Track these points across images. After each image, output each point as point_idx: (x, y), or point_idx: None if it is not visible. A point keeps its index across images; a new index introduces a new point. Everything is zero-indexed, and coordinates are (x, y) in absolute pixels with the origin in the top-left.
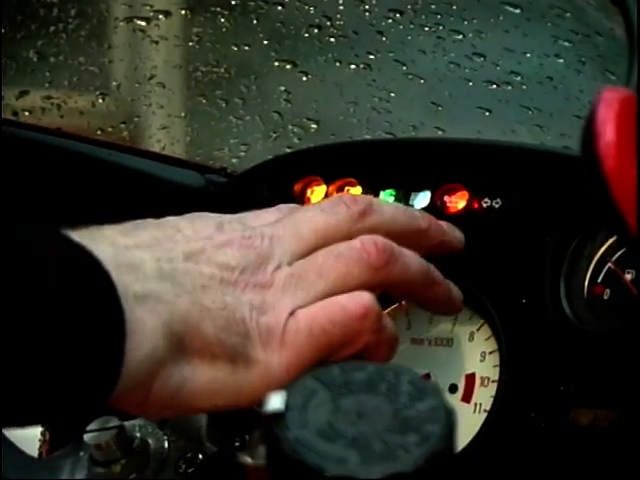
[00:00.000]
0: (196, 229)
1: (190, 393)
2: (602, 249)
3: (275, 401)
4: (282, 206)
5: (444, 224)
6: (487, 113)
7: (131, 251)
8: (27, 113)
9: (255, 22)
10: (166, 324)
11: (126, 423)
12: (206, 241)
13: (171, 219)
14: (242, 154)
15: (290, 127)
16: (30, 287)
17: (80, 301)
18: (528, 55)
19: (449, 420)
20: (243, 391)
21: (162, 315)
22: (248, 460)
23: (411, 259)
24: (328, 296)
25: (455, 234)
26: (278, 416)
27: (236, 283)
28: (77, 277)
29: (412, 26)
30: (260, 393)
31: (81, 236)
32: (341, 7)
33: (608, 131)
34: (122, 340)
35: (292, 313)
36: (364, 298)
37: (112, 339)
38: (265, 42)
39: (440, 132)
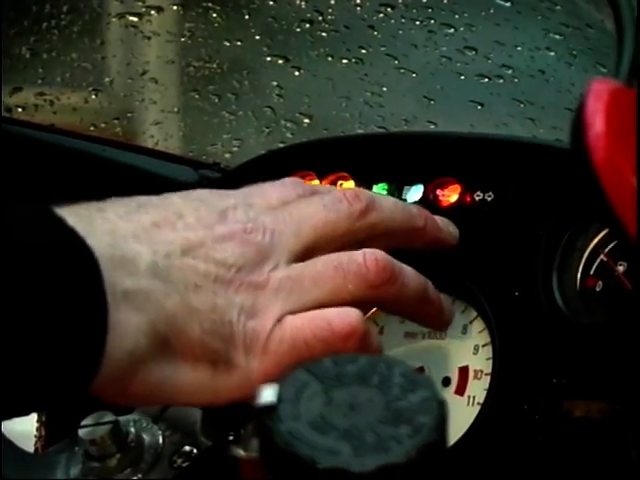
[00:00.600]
0: (199, 216)
1: (168, 391)
2: (594, 241)
3: (267, 394)
4: (287, 180)
5: (439, 219)
6: (479, 106)
7: (128, 242)
8: (20, 110)
9: (247, 17)
10: (151, 323)
11: (121, 418)
12: (207, 232)
13: (176, 200)
14: (235, 149)
15: (283, 122)
16: (15, 275)
17: (65, 293)
18: (519, 48)
19: (441, 411)
20: (220, 393)
21: (148, 314)
22: (241, 453)
23: (410, 278)
24: (320, 305)
25: (450, 230)
26: (270, 409)
27: (230, 282)
28: (65, 267)
29: (403, 20)
30: (237, 396)
31: (80, 216)
32: (332, 1)
33: (597, 122)
34: (103, 336)
35: (280, 319)
36: (352, 317)
37: (93, 334)
38: (257, 37)
39: (432, 126)
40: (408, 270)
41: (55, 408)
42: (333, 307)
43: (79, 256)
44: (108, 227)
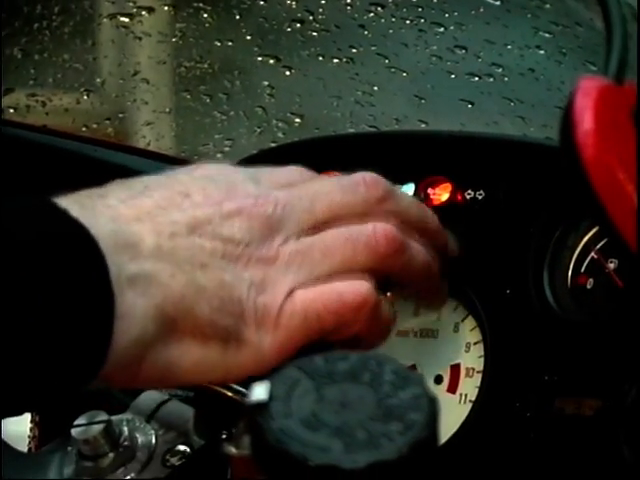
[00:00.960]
0: (206, 194)
1: (179, 372)
2: (585, 239)
3: (259, 391)
4: (293, 168)
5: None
6: (469, 105)
7: (131, 226)
8: (12, 111)
9: (238, 17)
10: (158, 307)
11: (113, 417)
12: (215, 209)
13: (183, 178)
14: (227, 149)
15: (274, 122)
16: (21, 268)
17: (71, 283)
18: (509, 47)
19: (432, 408)
20: (232, 370)
21: (154, 298)
22: (233, 451)
23: (418, 251)
24: (330, 278)
25: (452, 243)
26: (262, 406)
27: (239, 258)
28: (70, 258)
29: (394, 19)
30: (249, 372)
31: (82, 206)
32: (323, 1)
33: (586, 119)
34: (110, 324)
35: (290, 293)
36: (362, 288)
37: (100, 323)
38: (248, 37)
39: (423, 125)
40: (416, 244)
41: (63, 402)
42: (344, 279)
43: (83, 246)
44: (110, 214)
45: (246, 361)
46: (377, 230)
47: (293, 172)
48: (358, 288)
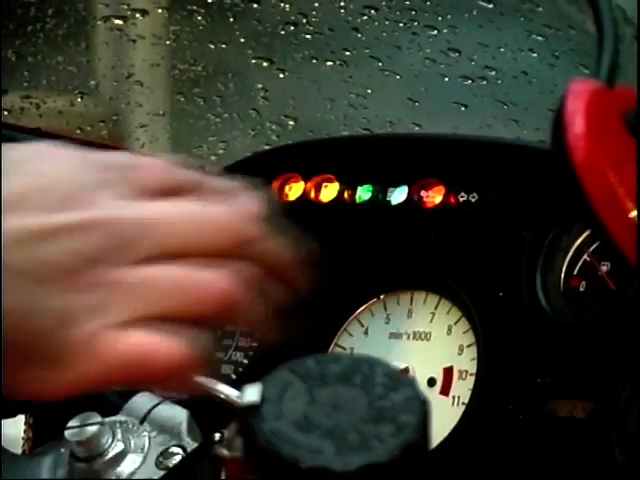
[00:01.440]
0: (49, 196)
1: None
2: (578, 242)
3: (251, 393)
4: (162, 168)
5: None
6: (463, 108)
7: None
8: (6, 113)
9: (232, 20)
10: None
11: (107, 419)
12: (55, 217)
13: (29, 168)
14: (221, 151)
15: (268, 124)
16: None
17: None
18: (502, 50)
19: (423, 410)
20: (49, 393)
21: None
22: (225, 452)
23: (252, 307)
24: (155, 319)
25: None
26: (253, 408)
27: (68, 281)
28: None
29: (387, 22)
30: (66, 396)
31: None
32: (316, 4)
33: (577, 123)
34: None
35: (112, 328)
36: (179, 350)
37: None
38: (242, 40)
39: (417, 128)
40: (254, 296)
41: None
42: (173, 322)
43: None
44: None
45: (63, 387)
46: (217, 283)
47: (160, 174)
48: (172, 349)
